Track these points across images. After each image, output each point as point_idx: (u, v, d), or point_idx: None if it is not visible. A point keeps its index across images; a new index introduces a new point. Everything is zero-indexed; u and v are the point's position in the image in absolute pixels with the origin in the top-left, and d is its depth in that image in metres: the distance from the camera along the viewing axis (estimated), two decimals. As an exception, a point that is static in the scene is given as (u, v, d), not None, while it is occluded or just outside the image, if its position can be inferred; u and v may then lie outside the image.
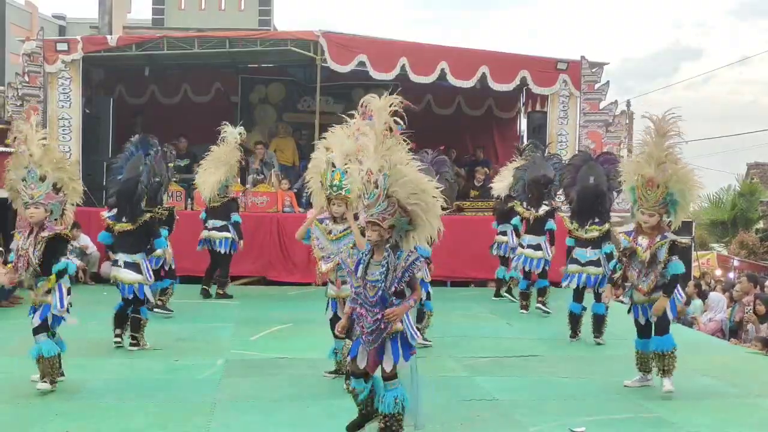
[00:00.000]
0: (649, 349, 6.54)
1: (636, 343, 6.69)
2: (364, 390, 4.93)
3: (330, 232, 6.35)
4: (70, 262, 6.27)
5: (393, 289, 4.76)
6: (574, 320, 8.64)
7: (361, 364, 4.88)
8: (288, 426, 5.46)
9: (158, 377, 6.73)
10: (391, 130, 4.84)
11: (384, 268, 4.75)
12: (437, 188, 4.89)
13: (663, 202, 6.33)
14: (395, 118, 4.92)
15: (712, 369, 7.49)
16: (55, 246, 6.06)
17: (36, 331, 6.08)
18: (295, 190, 13.53)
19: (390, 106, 4.91)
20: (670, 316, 6.52)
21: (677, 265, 6.37)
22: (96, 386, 6.38)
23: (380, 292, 4.74)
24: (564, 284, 8.68)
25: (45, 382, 6.04)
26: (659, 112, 6.33)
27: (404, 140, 4.94)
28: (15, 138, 6.36)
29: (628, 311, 6.68)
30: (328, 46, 13.41)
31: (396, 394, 4.82)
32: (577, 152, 9.94)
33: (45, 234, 6.03)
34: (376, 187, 4.73)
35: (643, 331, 6.60)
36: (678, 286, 6.55)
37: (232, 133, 10.76)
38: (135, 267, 7.42)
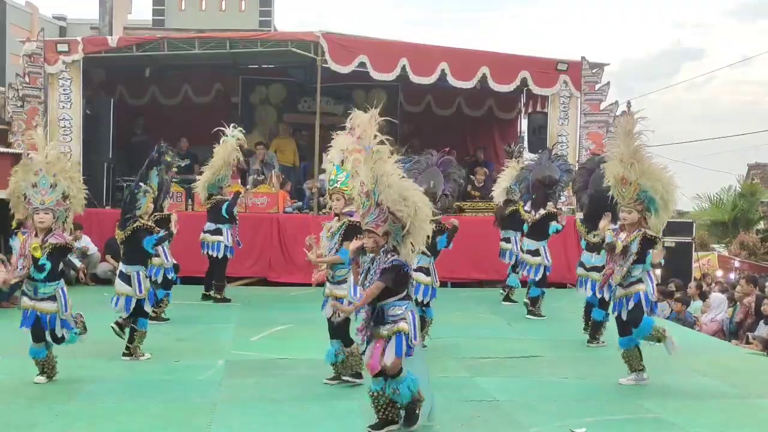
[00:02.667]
0: (624, 347, 6.74)
1: (620, 343, 6.79)
2: (382, 391, 5.13)
3: (329, 230, 6.49)
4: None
5: (367, 283, 5.12)
6: (595, 326, 8.42)
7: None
8: (289, 427, 5.47)
9: (159, 378, 6.74)
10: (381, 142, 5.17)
11: (372, 272, 5.14)
12: (424, 193, 5.30)
13: (638, 199, 6.55)
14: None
15: (712, 369, 7.49)
16: (60, 253, 6.25)
17: (37, 338, 6.32)
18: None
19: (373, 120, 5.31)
20: (645, 308, 6.61)
21: (649, 256, 6.63)
22: (97, 387, 6.39)
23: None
24: (577, 289, 8.74)
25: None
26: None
27: (389, 148, 5.21)
28: (28, 144, 6.54)
29: (612, 310, 6.89)
30: (328, 46, 13.41)
31: (407, 383, 5.09)
32: (590, 156, 9.94)
33: (53, 241, 6.20)
34: (368, 198, 5.15)
35: (624, 329, 6.73)
36: (652, 282, 6.75)
37: (231, 135, 10.71)
38: (126, 278, 7.29)
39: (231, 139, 10.68)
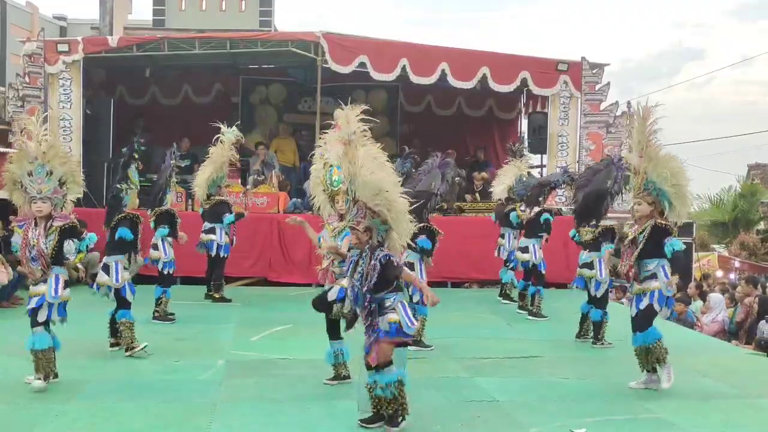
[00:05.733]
0: (635, 345, 6.52)
1: (633, 340, 6.61)
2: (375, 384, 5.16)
3: (333, 229, 6.51)
4: (92, 235, 6.49)
5: (365, 289, 5.12)
6: (596, 326, 8.43)
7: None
8: (289, 427, 5.46)
9: (159, 378, 6.74)
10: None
11: (362, 269, 5.17)
12: (397, 185, 5.23)
13: (646, 189, 6.36)
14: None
15: (712, 370, 7.49)
16: (70, 234, 6.26)
17: (32, 323, 6.17)
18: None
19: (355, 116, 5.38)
20: (657, 308, 6.46)
21: (674, 243, 6.29)
22: (97, 387, 6.38)
23: (356, 290, 5.19)
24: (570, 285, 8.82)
25: (39, 378, 6.08)
26: (659, 113, 6.38)
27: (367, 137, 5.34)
28: (21, 131, 6.46)
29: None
30: (328, 47, 13.42)
31: (390, 380, 5.08)
32: (604, 156, 10.09)
33: (58, 224, 6.21)
34: (347, 194, 5.31)
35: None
36: (667, 275, 6.45)
37: (227, 133, 10.75)
38: (106, 268, 7.43)
39: (229, 137, 10.70)
